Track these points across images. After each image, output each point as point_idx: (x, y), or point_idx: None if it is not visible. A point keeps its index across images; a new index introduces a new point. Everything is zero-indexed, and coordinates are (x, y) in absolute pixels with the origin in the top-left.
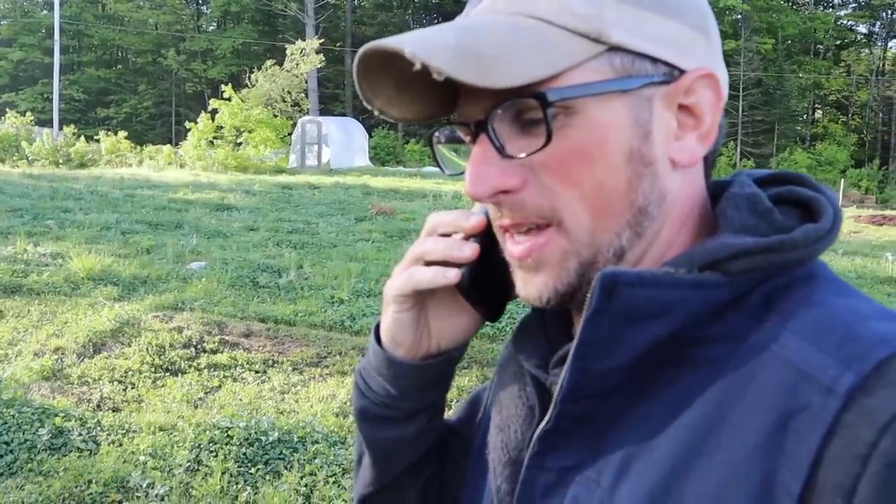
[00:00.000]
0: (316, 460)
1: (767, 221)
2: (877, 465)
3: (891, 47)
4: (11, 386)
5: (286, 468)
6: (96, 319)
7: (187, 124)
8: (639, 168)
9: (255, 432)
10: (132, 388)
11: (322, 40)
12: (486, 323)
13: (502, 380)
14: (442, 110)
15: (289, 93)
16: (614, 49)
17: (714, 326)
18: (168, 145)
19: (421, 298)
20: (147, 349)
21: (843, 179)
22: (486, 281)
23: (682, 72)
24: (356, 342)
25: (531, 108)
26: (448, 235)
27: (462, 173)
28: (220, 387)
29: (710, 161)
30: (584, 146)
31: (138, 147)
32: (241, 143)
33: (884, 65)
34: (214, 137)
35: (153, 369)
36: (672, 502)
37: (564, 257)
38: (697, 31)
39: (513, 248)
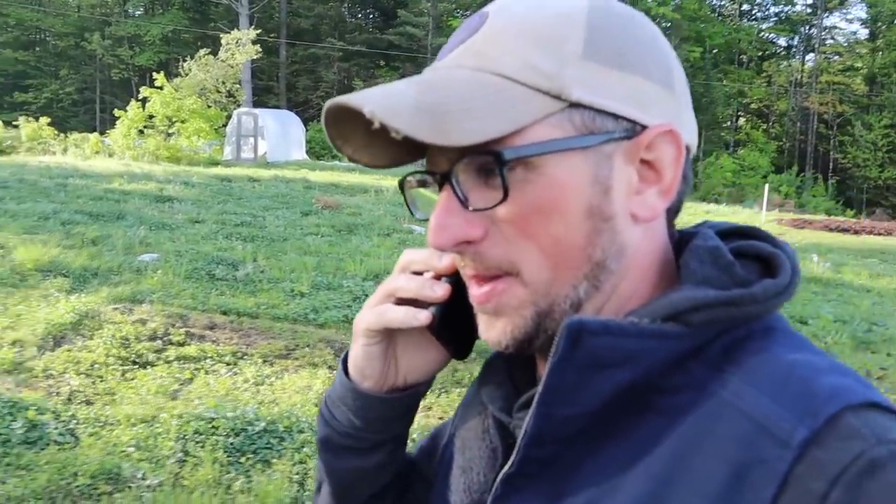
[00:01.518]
0: (305, 449)
1: (729, 274)
2: None
3: (808, 60)
4: None
5: (276, 457)
6: (53, 312)
7: (116, 112)
8: (598, 223)
9: (241, 423)
10: (101, 380)
11: (258, 31)
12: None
13: (465, 420)
14: (412, 156)
15: (223, 83)
16: (575, 106)
17: (676, 376)
18: (95, 133)
19: (390, 334)
20: (111, 342)
21: (766, 185)
22: (455, 320)
23: (643, 127)
24: (322, 335)
25: (490, 163)
26: (420, 273)
27: (422, 220)
28: (192, 379)
29: (672, 213)
30: (543, 202)
31: (62, 134)
32: (172, 134)
33: (801, 77)
34: (145, 127)
35: (120, 362)
36: None
37: (521, 306)
38: (661, 87)
39: (475, 291)
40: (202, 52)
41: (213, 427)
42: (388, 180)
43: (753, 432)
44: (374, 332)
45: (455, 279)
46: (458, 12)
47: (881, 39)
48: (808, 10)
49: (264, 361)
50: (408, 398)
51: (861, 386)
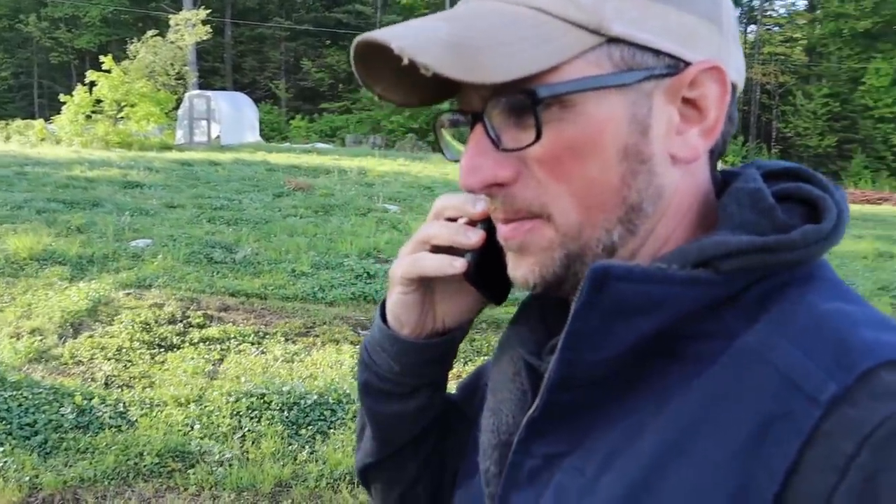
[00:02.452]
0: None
1: (768, 219)
2: (854, 478)
3: (750, 32)
4: (1, 369)
5: (332, 428)
6: (66, 299)
7: (62, 97)
8: (634, 165)
9: (293, 397)
10: (132, 364)
11: (210, 11)
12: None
13: (499, 361)
14: (444, 95)
15: (172, 65)
16: (614, 41)
17: (707, 323)
18: (40, 120)
19: (426, 281)
20: (133, 326)
21: None
22: (491, 266)
23: (687, 64)
24: (335, 312)
25: (523, 102)
26: (455, 219)
27: (454, 161)
28: (221, 359)
29: (716, 154)
30: (578, 142)
31: (2, 121)
32: (122, 118)
33: (744, 48)
34: (93, 112)
35: (145, 346)
36: (650, 497)
37: (550, 246)
38: (707, 21)
39: (500, 229)
40: (150, 33)
41: (265, 402)
42: (346, 161)
43: (781, 385)
44: (409, 281)
45: (489, 225)
46: None
47: (820, 10)
48: None
49: (287, 340)
50: (445, 344)
51: None
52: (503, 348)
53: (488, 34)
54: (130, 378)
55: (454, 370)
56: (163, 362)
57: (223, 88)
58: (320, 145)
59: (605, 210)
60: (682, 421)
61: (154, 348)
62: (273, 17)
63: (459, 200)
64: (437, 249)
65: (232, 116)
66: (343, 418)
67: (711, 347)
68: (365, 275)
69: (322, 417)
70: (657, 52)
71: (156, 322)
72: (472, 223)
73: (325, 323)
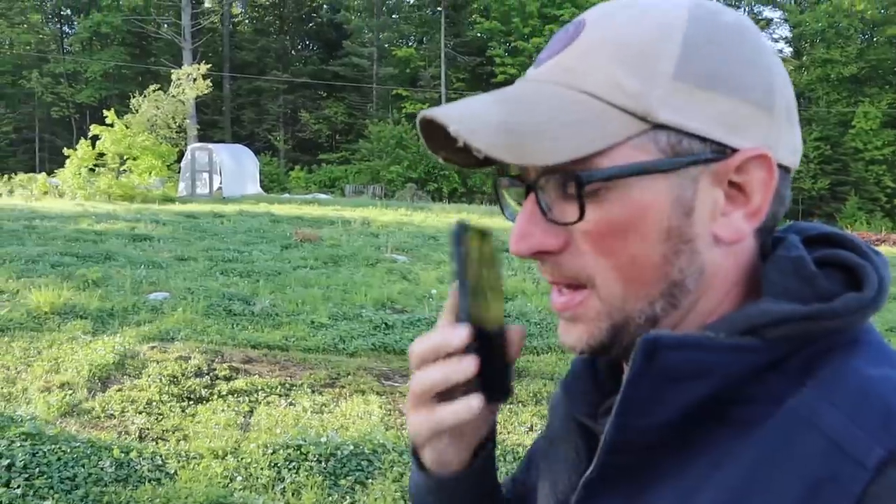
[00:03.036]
0: (395, 468)
1: (811, 287)
2: None
3: None
4: (38, 423)
5: (369, 478)
6: (92, 353)
7: (65, 151)
8: (676, 244)
9: (330, 448)
10: (163, 417)
11: (209, 65)
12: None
13: (553, 422)
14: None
15: (174, 118)
16: (661, 127)
17: (754, 388)
18: (42, 174)
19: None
20: (161, 380)
21: None
22: (491, 374)
23: (734, 150)
24: (358, 363)
25: (570, 182)
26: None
27: (511, 221)
28: (251, 411)
29: (766, 232)
30: (621, 222)
31: (5, 175)
32: (124, 171)
33: None
34: (95, 165)
35: (175, 399)
36: None
37: (597, 317)
38: (757, 107)
39: (555, 298)
40: (152, 87)
41: (302, 454)
42: (349, 211)
43: (828, 450)
44: (437, 436)
45: (475, 344)
46: (400, 42)
47: (806, 57)
48: None
49: (313, 391)
50: (485, 457)
51: None
52: (555, 410)
53: (537, 118)
54: (164, 431)
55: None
56: (194, 415)
57: (222, 141)
58: (321, 196)
59: (646, 285)
60: (733, 484)
61: (184, 401)
62: (271, 70)
63: (435, 342)
64: (441, 395)
65: (233, 168)
66: (380, 468)
67: (759, 412)
68: (383, 325)
69: (360, 468)
70: (704, 139)
71: (183, 375)
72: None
73: (349, 374)
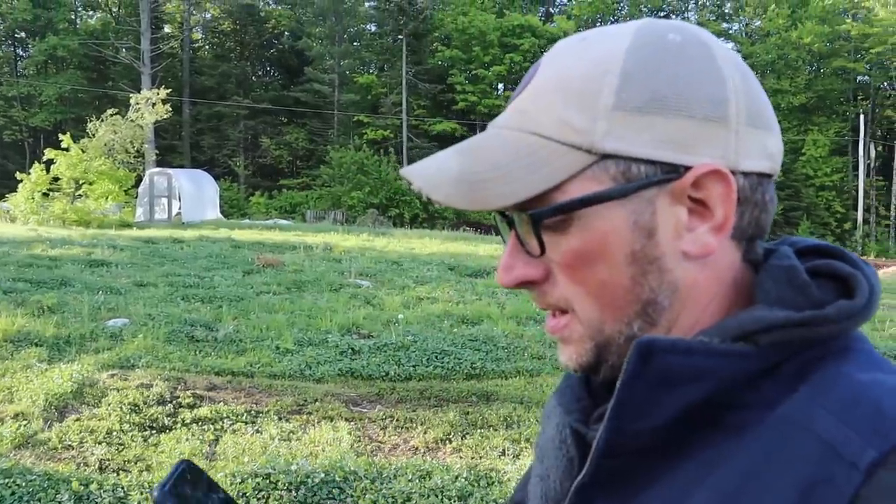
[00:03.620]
0: (367, 496)
1: (804, 295)
2: None
3: None
4: None
5: None
6: (48, 382)
7: (18, 175)
8: (643, 266)
9: (299, 476)
10: (124, 448)
11: (169, 90)
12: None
13: (546, 430)
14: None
15: (132, 143)
16: (609, 157)
17: (748, 393)
18: None
19: None
20: (121, 408)
21: None
22: None
23: (687, 168)
24: (325, 389)
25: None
26: None
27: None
28: (217, 439)
29: (753, 237)
30: (585, 251)
31: None
32: (80, 196)
33: None
34: (49, 189)
35: (136, 428)
36: None
37: (581, 339)
38: (707, 122)
39: (548, 321)
40: (110, 111)
41: (271, 482)
42: (310, 236)
43: (822, 453)
44: None
45: None
46: (362, 69)
47: None
48: None
49: (280, 418)
50: None
51: None
52: (549, 417)
53: (492, 165)
54: (125, 461)
55: (460, 442)
56: (156, 444)
57: (181, 166)
58: (281, 221)
59: (621, 307)
60: (726, 488)
61: (146, 430)
62: (231, 95)
63: None
64: None
65: (193, 194)
66: (353, 495)
67: (752, 417)
68: (350, 350)
69: (331, 496)
70: (652, 162)
71: (144, 403)
72: None
73: (316, 400)
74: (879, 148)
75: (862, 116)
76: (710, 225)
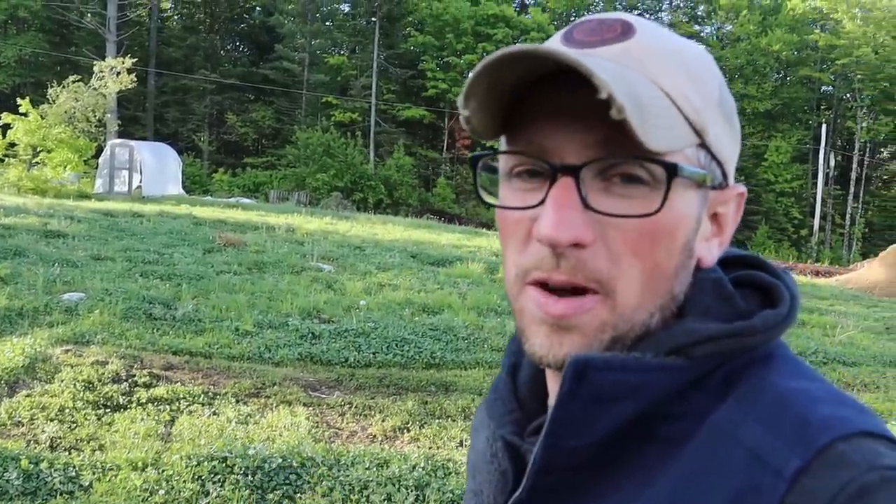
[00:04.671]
0: (324, 482)
1: (730, 306)
2: None
3: None
4: None
5: (297, 492)
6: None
7: None
8: (686, 259)
9: (256, 461)
10: (77, 426)
11: (135, 59)
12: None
13: (476, 444)
14: (496, 134)
15: (93, 112)
16: (702, 146)
17: (678, 406)
18: None
19: None
20: (75, 385)
21: None
22: None
23: (727, 184)
24: (284, 373)
25: (640, 171)
26: None
27: (505, 207)
28: (173, 420)
29: None
30: (663, 226)
31: None
32: (36, 164)
33: None
34: (5, 155)
35: (90, 406)
36: None
37: (601, 328)
38: (738, 150)
39: (547, 304)
40: (72, 78)
41: (227, 466)
42: (273, 217)
43: (749, 461)
44: None
45: None
46: (333, 49)
47: None
48: None
49: (238, 401)
50: None
51: (856, 414)
52: (478, 430)
53: (649, 103)
54: (77, 440)
55: (417, 432)
56: (110, 423)
57: (144, 138)
58: (244, 200)
59: (656, 295)
60: (661, 501)
61: (100, 408)
62: (198, 69)
63: None
64: None
65: (155, 167)
66: (309, 482)
67: (684, 428)
68: (310, 335)
69: (288, 482)
70: (720, 167)
71: (99, 381)
72: None
73: (274, 384)
74: (838, 158)
75: (824, 126)
76: (719, 240)
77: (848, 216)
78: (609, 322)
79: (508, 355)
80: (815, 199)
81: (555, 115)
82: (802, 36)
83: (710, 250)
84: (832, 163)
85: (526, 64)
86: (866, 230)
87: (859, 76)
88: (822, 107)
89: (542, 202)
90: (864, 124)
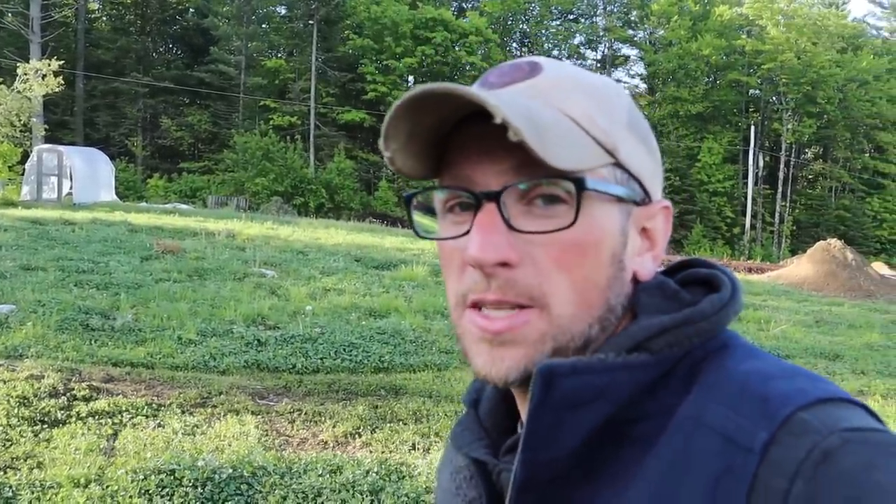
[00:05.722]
0: (277, 491)
1: (677, 301)
2: None
3: None
4: None
5: (249, 502)
6: None
7: None
8: (616, 270)
9: (206, 472)
10: (12, 444)
11: (62, 62)
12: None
13: (441, 482)
14: (430, 173)
15: (18, 116)
16: (617, 164)
17: (647, 404)
18: None
19: None
20: (8, 401)
21: None
22: None
23: (650, 200)
24: (230, 381)
25: (556, 189)
26: None
27: (437, 238)
28: (116, 434)
29: None
30: (585, 239)
31: None
32: None
33: None
34: None
35: (26, 422)
36: None
37: (541, 340)
38: (658, 168)
39: (485, 322)
40: None
41: (176, 479)
42: (212, 223)
43: (721, 444)
44: None
45: None
46: (270, 52)
47: (659, 94)
48: (598, 66)
49: (184, 411)
50: None
51: (811, 383)
52: (441, 469)
53: (551, 126)
54: (13, 459)
55: (369, 436)
56: (49, 440)
57: (73, 143)
58: (181, 206)
59: (591, 306)
60: (643, 500)
61: (36, 424)
62: (130, 72)
63: None
64: None
65: (86, 173)
66: (261, 491)
67: (655, 425)
68: (255, 342)
69: (239, 492)
70: (639, 184)
71: (35, 396)
72: None
73: (221, 393)
74: (767, 158)
75: (752, 128)
76: (652, 254)
77: (777, 214)
78: (548, 333)
79: (469, 392)
80: (746, 198)
81: (475, 148)
82: (730, 41)
83: (644, 264)
84: (761, 163)
85: (435, 105)
86: (794, 228)
87: (784, 80)
88: (751, 109)
89: (469, 229)
90: (790, 126)
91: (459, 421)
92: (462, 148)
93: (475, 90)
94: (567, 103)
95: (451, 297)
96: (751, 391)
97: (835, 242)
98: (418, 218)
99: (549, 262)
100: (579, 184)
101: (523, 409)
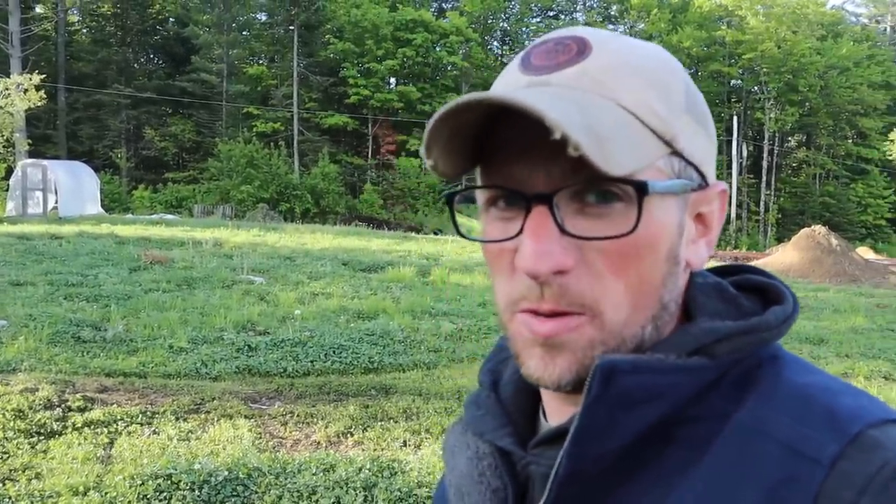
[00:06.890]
0: (272, 491)
1: (736, 306)
2: None
3: None
4: None
5: (246, 503)
6: None
7: None
8: (672, 267)
9: (202, 476)
10: (10, 456)
11: (43, 76)
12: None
13: (457, 466)
14: (471, 165)
15: (0, 132)
16: (675, 153)
17: (698, 406)
18: None
19: None
20: (3, 414)
21: None
22: None
23: (707, 184)
24: (223, 387)
25: (621, 193)
26: None
27: (485, 241)
28: (111, 442)
29: None
30: (642, 241)
31: None
32: None
33: None
34: None
35: (22, 434)
36: None
37: (590, 345)
38: (713, 148)
39: (538, 326)
40: None
41: (173, 483)
42: (199, 232)
43: (782, 454)
44: None
45: None
46: (251, 59)
47: None
48: None
49: (178, 418)
50: None
51: (875, 404)
52: (455, 453)
53: (608, 127)
54: (11, 471)
55: (361, 435)
56: (46, 451)
57: (57, 157)
58: (168, 216)
59: (646, 308)
60: (689, 500)
61: (33, 436)
62: (112, 83)
63: None
64: None
65: (71, 187)
66: (257, 492)
67: (706, 429)
68: (246, 347)
69: (235, 493)
70: (697, 170)
71: (30, 408)
72: None
73: (213, 399)
74: (750, 148)
75: (735, 118)
76: (706, 240)
77: (762, 203)
78: (597, 339)
79: (486, 373)
80: (730, 188)
81: (523, 146)
82: (710, 32)
83: (698, 252)
84: (745, 153)
85: (483, 108)
86: (780, 216)
87: (765, 69)
88: (733, 99)
89: (520, 232)
90: (772, 115)
91: (475, 401)
92: (508, 143)
93: (526, 95)
94: (621, 92)
95: (501, 299)
96: (817, 404)
97: (819, 229)
98: (462, 219)
99: (605, 266)
100: (642, 188)
101: (557, 401)
